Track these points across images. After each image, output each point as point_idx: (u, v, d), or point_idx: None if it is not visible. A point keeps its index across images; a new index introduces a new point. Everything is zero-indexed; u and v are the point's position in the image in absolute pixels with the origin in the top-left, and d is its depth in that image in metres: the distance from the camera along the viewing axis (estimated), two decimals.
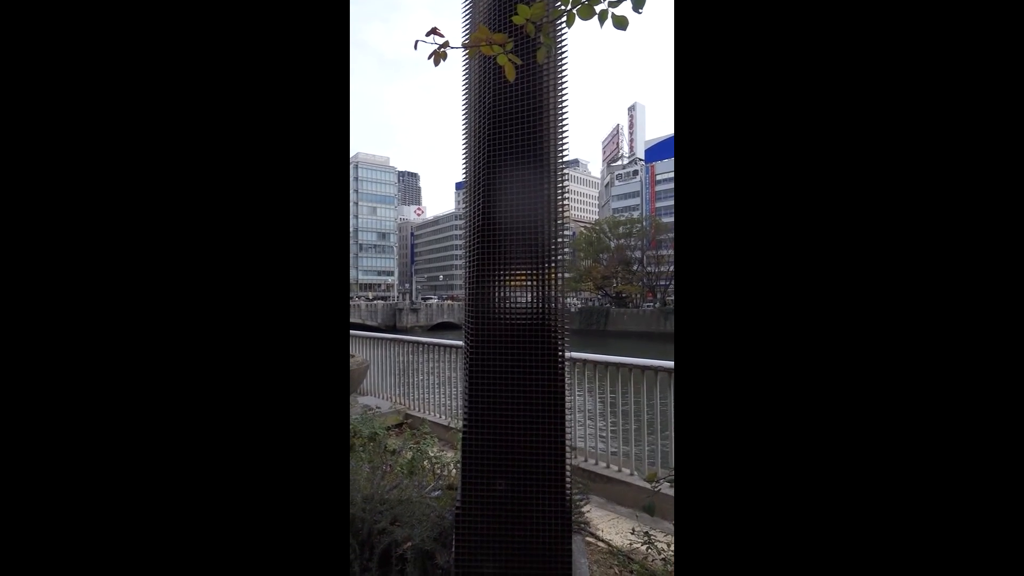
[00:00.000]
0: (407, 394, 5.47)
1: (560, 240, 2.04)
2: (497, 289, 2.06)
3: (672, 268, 49.35)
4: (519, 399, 1.99)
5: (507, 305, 2.05)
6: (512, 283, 2.04)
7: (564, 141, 2.04)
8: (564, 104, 2.05)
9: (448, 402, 4.96)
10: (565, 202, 2.06)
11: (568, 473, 1.99)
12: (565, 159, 2.06)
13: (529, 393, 1.99)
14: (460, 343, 5.03)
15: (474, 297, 2.08)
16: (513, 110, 2.05)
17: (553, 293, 2.02)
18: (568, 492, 1.99)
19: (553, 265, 2.02)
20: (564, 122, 2.04)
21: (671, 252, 49.53)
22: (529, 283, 2.03)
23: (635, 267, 51.44)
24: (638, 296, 50.54)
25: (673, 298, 49.45)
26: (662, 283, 50.15)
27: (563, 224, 2.05)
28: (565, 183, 2.06)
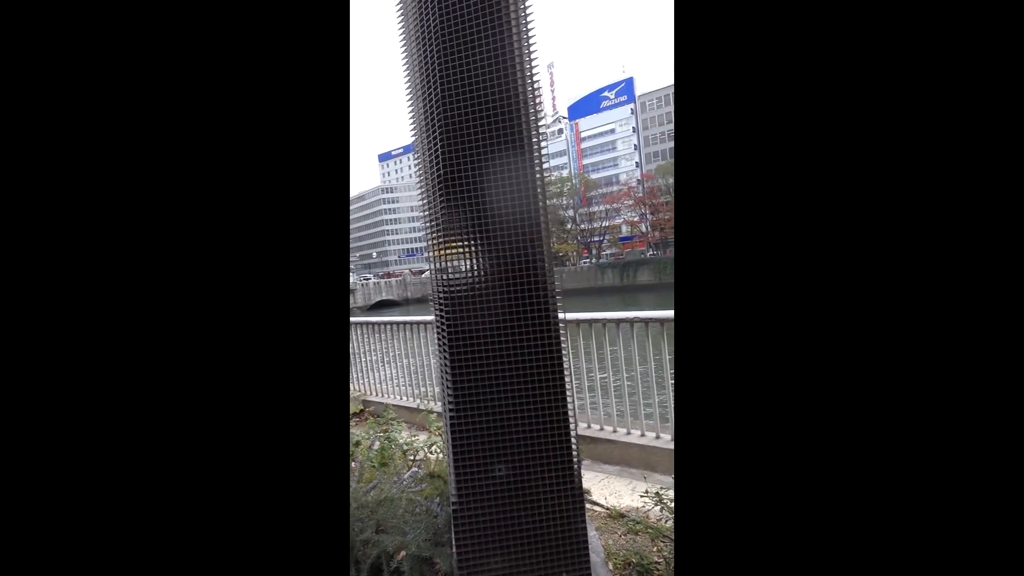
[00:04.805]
0: (362, 379, 5.09)
1: (542, 188, 1.75)
2: (471, 253, 1.76)
3: (605, 223, 50.41)
4: (511, 371, 1.74)
5: (487, 269, 1.76)
6: (490, 244, 1.74)
7: (534, 64, 1.73)
8: (530, 20, 1.72)
9: (409, 382, 4.65)
10: (544, 143, 1.76)
11: (575, 444, 1.78)
12: (538, 86, 1.75)
13: (522, 363, 1.74)
14: (410, 319, 4.71)
15: (443, 266, 1.77)
16: (467, 34, 1.70)
17: (539, 249, 1.74)
18: (576, 465, 1.79)
19: (537, 217, 1.73)
20: (532, 42, 1.72)
21: (603, 208, 50.50)
22: (510, 242, 1.74)
23: (569, 226, 52.01)
24: (574, 254, 51.38)
25: (608, 252, 50.69)
26: (596, 239, 51.16)
27: (544, 169, 1.75)
28: (540, 115, 1.76)
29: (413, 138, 2.00)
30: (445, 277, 1.77)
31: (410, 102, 1.96)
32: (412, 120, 1.95)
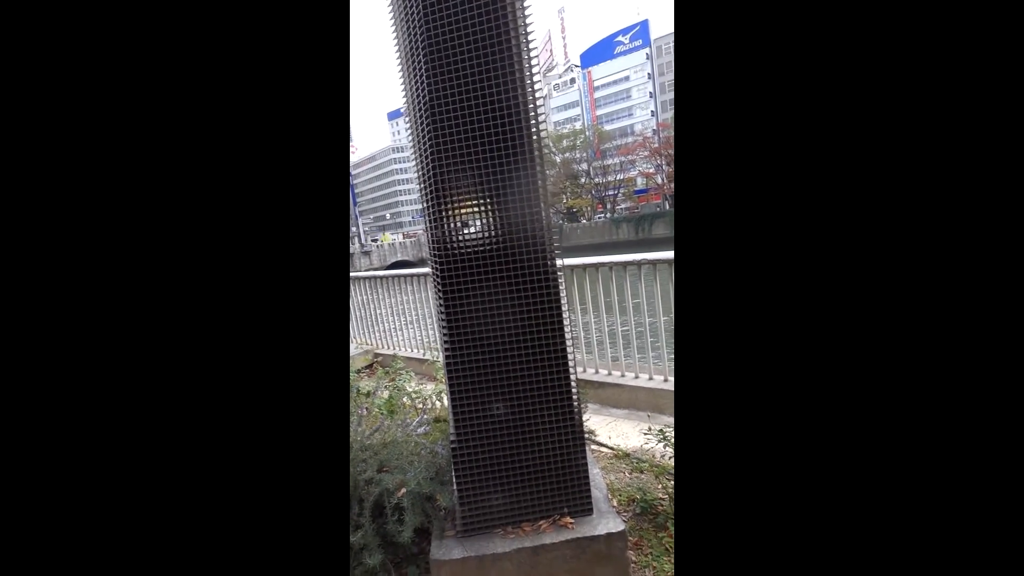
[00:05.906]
0: (372, 332, 5.14)
1: (535, 131, 1.63)
2: (468, 202, 1.67)
3: (620, 176, 49.17)
4: (507, 311, 1.69)
5: (481, 214, 1.68)
6: (482, 189, 1.65)
7: (527, 8, 1.58)
8: None
9: (419, 334, 4.68)
10: (537, 87, 1.63)
11: (574, 382, 1.75)
12: (531, 30, 1.61)
13: (517, 302, 1.69)
14: (417, 271, 4.69)
15: (437, 218, 1.69)
16: None
17: (533, 191, 1.65)
18: (576, 403, 1.76)
19: (531, 158, 1.63)
20: None
21: (617, 160, 49.17)
22: (501, 185, 1.64)
23: (583, 180, 50.90)
24: (589, 208, 50.51)
25: (623, 206, 49.72)
26: (610, 192, 50.08)
27: (538, 114, 1.64)
28: (534, 60, 1.62)
29: (403, 96, 1.87)
30: (439, 229, 1.70)
31: (397, 51, 1.83)
32: (400, 72, 1.83)
